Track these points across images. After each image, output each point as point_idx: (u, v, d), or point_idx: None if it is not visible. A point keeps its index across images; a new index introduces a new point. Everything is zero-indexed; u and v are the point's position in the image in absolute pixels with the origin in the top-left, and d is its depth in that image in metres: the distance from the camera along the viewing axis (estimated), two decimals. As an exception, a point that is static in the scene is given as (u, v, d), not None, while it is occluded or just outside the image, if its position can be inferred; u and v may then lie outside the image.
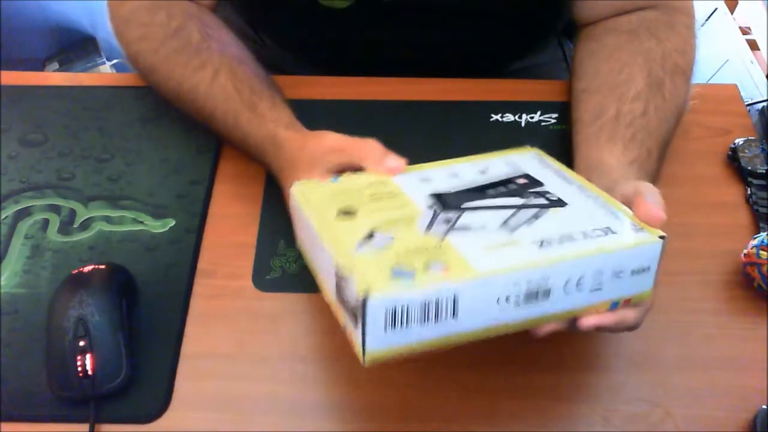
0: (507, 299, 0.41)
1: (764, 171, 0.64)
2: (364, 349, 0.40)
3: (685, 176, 0.66)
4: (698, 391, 0.53)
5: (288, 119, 0.60)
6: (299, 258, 0.59)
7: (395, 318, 0.39)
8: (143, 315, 0.55)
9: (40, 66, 1.47)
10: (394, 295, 0.39)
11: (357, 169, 0.52)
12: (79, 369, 0.50)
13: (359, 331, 0.39)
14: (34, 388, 0.52)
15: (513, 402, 0.52)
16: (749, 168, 0.65)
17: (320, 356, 0.54)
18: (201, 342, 0.55)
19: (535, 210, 0.47)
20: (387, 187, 0.49)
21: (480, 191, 0.49)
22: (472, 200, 0.48)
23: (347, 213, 0.46)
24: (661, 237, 0.44)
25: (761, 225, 0.61)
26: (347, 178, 0.51)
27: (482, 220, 0.45)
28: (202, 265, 0.59)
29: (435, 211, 0.47)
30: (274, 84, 0.65)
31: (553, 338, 0.55)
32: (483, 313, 0.41)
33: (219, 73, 0.62)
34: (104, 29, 1.49)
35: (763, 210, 0.62)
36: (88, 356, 0.50)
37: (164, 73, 0.64)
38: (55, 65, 1.45)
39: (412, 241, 0.43)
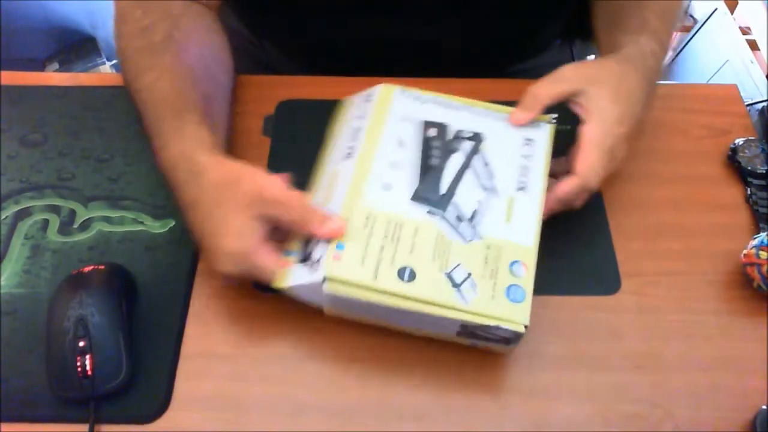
0: None
1: (764, 171, 0.64)
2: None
3: (685, 176, 0.66)
4: (698, 391, 0.53)
5: (210, 142, 0.54)
6: (299, 258, 0.59)
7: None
8: (143, 315, 0.55)
9: (40, 66, 1.46)
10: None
11: (289, 228, 0.51)
12: (79, 369, 0.50)
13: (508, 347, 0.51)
14: (34, 388, 0.52)
15: (513, 402, 0.52)
16: (749, 168, 0.65)
17: (320, 356, 0.54)
18: (201, 342, 0.55)
19: (480, 156, 0.56)
20: (393, 225, 0.51)
21: (436, 171, 0.55)
22: (445, 185, 0.54)
23: (409, 273, 0.49)
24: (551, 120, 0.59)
25: (761, 225, 0.61)
26: (359, 241, 0.50)
27: (476, 198, 0.53)
28: (202, 265, 0.59)
29: (441, 216, 0.51)
30: (221, 104, 0.62)
31: (554, 338, 0.55)
32: None
33: (162, 78, 0.58)
34: (104, 29, 1.49)
35: (763, 210, 0.62)
36: (87, 356, 0.50)
37: (124, 72, 0.61)
38: (55, 65, 1.45)
39: (475, 259, 0.50)
